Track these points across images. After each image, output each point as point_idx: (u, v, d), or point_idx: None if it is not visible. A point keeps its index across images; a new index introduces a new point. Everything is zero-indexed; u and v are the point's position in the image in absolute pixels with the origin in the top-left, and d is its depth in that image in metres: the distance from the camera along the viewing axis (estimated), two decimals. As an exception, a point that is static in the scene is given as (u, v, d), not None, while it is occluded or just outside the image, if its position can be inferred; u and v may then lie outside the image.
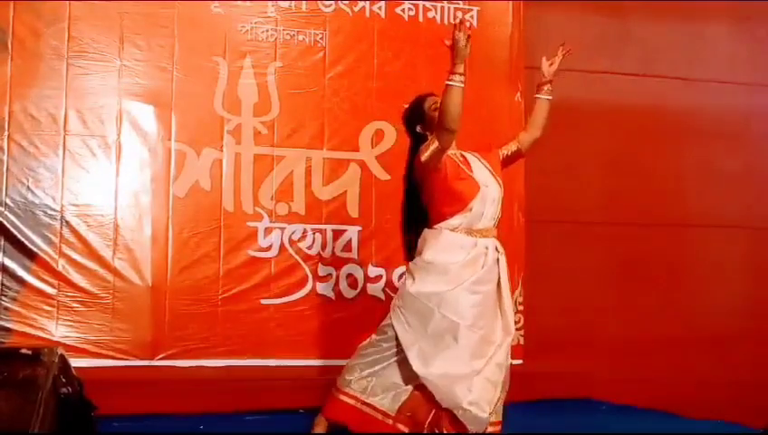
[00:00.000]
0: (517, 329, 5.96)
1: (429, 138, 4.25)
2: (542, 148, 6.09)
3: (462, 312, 4.11)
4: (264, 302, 5.52)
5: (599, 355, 6.15)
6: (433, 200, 4.28)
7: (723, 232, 6.70)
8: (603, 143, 6.49)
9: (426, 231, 4.32)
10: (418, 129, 4.39)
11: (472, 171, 4.30)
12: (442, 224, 4.23)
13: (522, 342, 5.98)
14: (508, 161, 4.58)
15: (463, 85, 4.13)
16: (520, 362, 5.97)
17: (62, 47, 5.33)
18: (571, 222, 6.32)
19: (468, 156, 4.38)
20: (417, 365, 4.10)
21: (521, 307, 5.98)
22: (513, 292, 4.52)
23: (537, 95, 4.70)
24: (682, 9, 6.75)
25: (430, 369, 4.09)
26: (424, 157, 4.17)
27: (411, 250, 4.36)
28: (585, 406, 5.96)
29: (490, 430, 4.17)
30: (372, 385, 4.23)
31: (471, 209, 4.21)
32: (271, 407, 5.36)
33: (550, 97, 4.65)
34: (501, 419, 4.28)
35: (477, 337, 4.13)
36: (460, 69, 4.17)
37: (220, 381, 5.40)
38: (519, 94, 6.15)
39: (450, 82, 4.14)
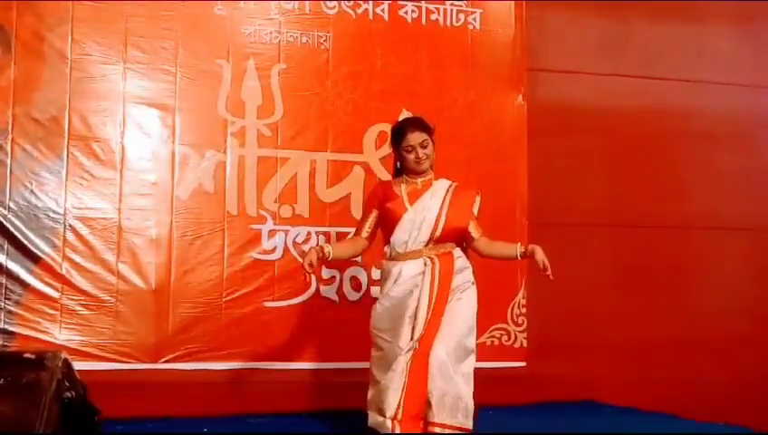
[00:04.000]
0: (520, 332, 5.98)
1: (412, 177, 4.47)
2: (544, 150, 6.14)
3: (375, 322, 4.35)
4: (267, 304, 5.52)
5: (601, 357, 6.14)
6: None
7: (726, 234, 6.69)
8: (605, 145, 6.48)
9: None
10: (394, 156, 4.54)
11: (411, 201, 4.40)
12: (384, 250, 4.51)
13: (525, 344, 6.00)
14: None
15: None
16: (523, 364, 5.99)
17: (66, 50, 5.33)
18: (574, 224, 6.31)
19: (436, 184, 4.47)
20: None
21: (524, 310, 5.99)
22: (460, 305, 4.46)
23: (521, 248, 4.65)
24: (684, 11, 6.74)
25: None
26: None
27: None
28: (588, 408, 5.95)
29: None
30: None
31: (390, 242, 4.41)
32: (274, 410, 5.36)
33: (519, 256, 4.67)
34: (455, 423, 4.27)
35: (381, 342, 4.29)
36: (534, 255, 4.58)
37: (224, 384, 5.40)
38: (521, 96, 6.16)
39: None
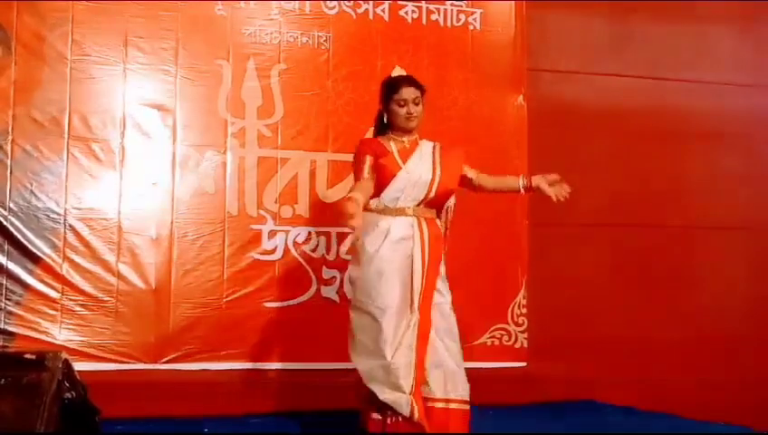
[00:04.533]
0: (521, 332, 5.98)
1: (397, 135, 4.41)
2: (544, 150, 6.14)
3: (368, 290, 4.21)
4: (267, 305, 5.52)
5: (602, 357, 6.14)
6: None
7: (727, 234, 6.69)
8: (606, 145, 6.48)
9: None
10: (381, 109, 4.46)
11: (402, 159, 4.35)
12: (371, 203, 4.36)
13: (525, 344, 6.00)
14: (463, 182, 4.59)
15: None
16: (524, 364, 5.99)
17: (66, 51, 5.33)
18: (575, 224, 6.30)
19: (422, 145, 4.43)
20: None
21: (524, 310, 5.99)
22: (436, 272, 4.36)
23: (524, 181, 4.62)
24: (685, 11, 6.74)
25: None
26: (354, 167, 4.41)
27: None
28: (589, 408, 5.95)
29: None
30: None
31: (385, 196, 4.33)
32: (275, 410, 5.36)
33: (522, 189, 4.63)
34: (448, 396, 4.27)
35: (380, 313, 4.15)
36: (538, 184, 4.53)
37: (224, 384, 5.39)
38: (522, 97, 6.16)
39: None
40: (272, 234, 5.59)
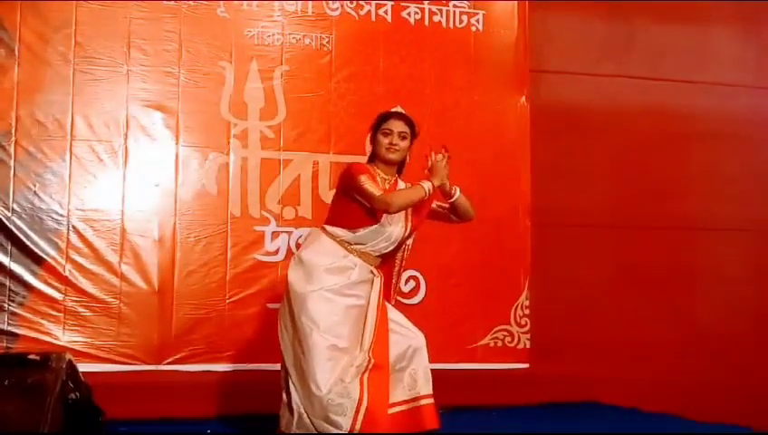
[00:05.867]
0: (523, 333, 5.99)
1: (380, 167, 4.28)
2: (547, 151, 6.14)
3: (316, 317, 4.07)
4: (270, 306, 5.49)
5: (604, 358, 6.14)
6: (337, 203, 4.32)
7: (729, 235, 6.70)
8: (609, 146, 6.49)
9: (311, 230, 4.47)
10: (369, 138, 4.36)
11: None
12: (328, 227, 4.25)
13: (528, 345, 6.00)
14: (435, 215, 4.46)
15: (428, 195, 4.16)
16: (526, 365, 5.99)
17: (69, 53, 5.35)
18: (577, 225, 6.32)
19: (400, 186, 4.32)
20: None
21: (527, 311, 5.99)
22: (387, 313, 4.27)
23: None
24: (687, 12, 6.75)
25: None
26: (361, 185, 4.11)
27: None
28: (591, 409, 5.94)
29: None
30: None
31: (355, 232, 4.19)
32: (278, 411, 5.36)
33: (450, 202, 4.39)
34: None
35: (327, 344, 4.03)
36: (435, 184, 4.16)
37: (227, 386, 5.39)
38: (524, 98, 6.17)
39: (423, 185, 4.13)
40: (274, 235, 5.60)
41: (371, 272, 4.21)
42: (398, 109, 4.36)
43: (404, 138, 4.26)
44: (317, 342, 4.03)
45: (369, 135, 4.36)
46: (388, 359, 4.12)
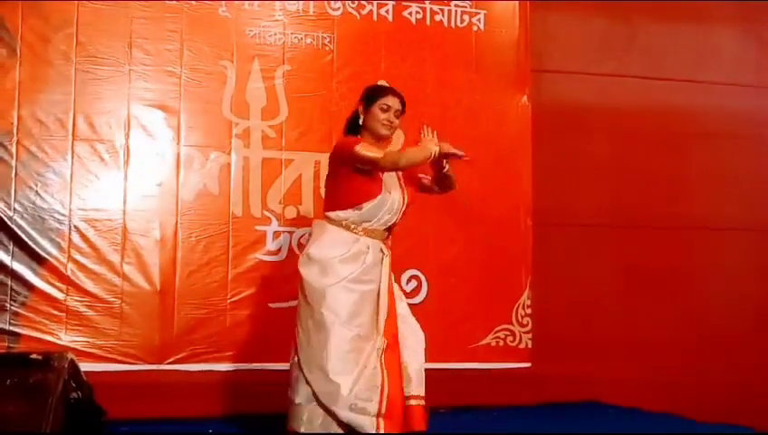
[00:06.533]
0: (525, 332, 5.98)
1: (368, 140, 4.26)
2: (549, 151, 6.15)
3: (338, 309, 4.10)
4: (272, 306, 5.51)
5: (606, 358, 6.14)
6: (334, 185, 4.32)
7: (730, 234, 6.70)
8: (610, 146, 6.49)
9: (314, 223, 4.42)
10: (360, 109, 4.35)
11: (382, 174, 4.25)
12: (331, 214, 4.26)
13: (529, 345, 6.00)
14: (423, 187, 4.49)
15: (432, 157, 4.16)
16: (528, 365, 5.99)
17: (71, 52, 5.33)
18: (578, 225, 6.32)
19: None
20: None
21: (528, 310, 5.99)
22: (399, 297, 4.38)
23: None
24: (688, 11, 6.76)
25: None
26: (361, 154, 4.11)
27: None
28: (593, 409, 5.95)
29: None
30: None
31: (361, 209, 4.21)
32: (279, 411, 5.35)
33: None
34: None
35: (351, 335, 4.08)
36: (443, 150, 4.17)
37: (229, 385, 5.40)
38: (525, 97, 6.16)
39: (429, 146, 4.14)
40: (276, 235, 5.60)
41: (381, 250, 4.23)
42: (384, 82, 4.38)
43: (398, 116, 4.32)
44: (339, 333, 4.08)
45: (360, 105, 4.35)
46: (399, 343, 4.16)
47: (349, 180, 4.21)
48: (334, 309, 4.10)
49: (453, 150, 4.17)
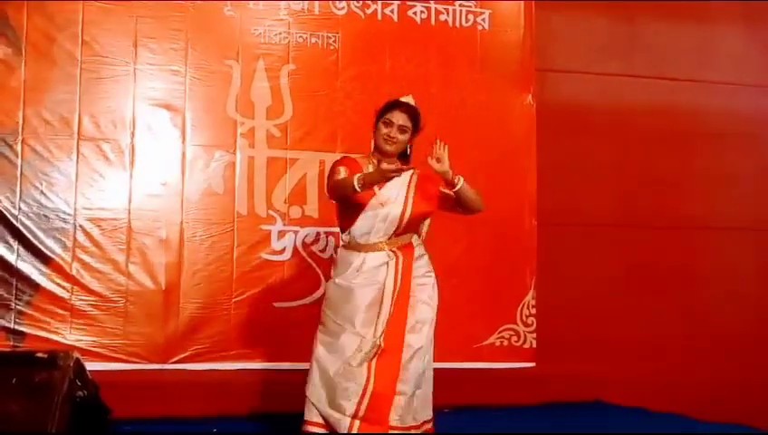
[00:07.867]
0: (529, 332, 5.98)
1: (376, 156, 4.27)
2: (553, 150, 6.14)
3: (329, 302, 4.19)
4: (277, 305, 5.53)
5: (610, 358, 6.14)
6: (336, 209, 4.36)
7: (734, 234, 6.69)
8: (614, 146, 6.49)
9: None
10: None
11: (379, 187, 4.16)
12: (342, 237, 4.30)
13: (534, 345, 6.00)
14: (446, 204, 4.31)
15: (393, 174, 3.99)
16: (532, 365, 5.99)
17: (76, 51, 5.34)
18: (583, 225, 6.32)
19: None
20: None
21: (533, 310, 5.98)
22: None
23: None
24: (692, 11, 6.75)
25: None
26: (332, 183, 4.20)
27: None
28: (597, 409, 5.95)
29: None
30: None
31: (355, 227, 4.18)
32: (284, 410, 5.35)
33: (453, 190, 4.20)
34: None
35: (338, 328, 4.12)
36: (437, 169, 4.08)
37: (233, 384, 5.40)
38: (530, 97, 6.15)
39: (353, 180, 3.99)
40: (281, 234, 5.60)
41: (386, 255, 4.18)
42: (408, 99, 4.31)
43: (404, 131, 4.20)
44: (329, 327, 4.14)
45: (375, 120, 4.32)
46: (402, 347, 4.09)
47: (339, 204, 4.29)
48: (328, 303, 4.21)
49: (447, 170, 4.04)
